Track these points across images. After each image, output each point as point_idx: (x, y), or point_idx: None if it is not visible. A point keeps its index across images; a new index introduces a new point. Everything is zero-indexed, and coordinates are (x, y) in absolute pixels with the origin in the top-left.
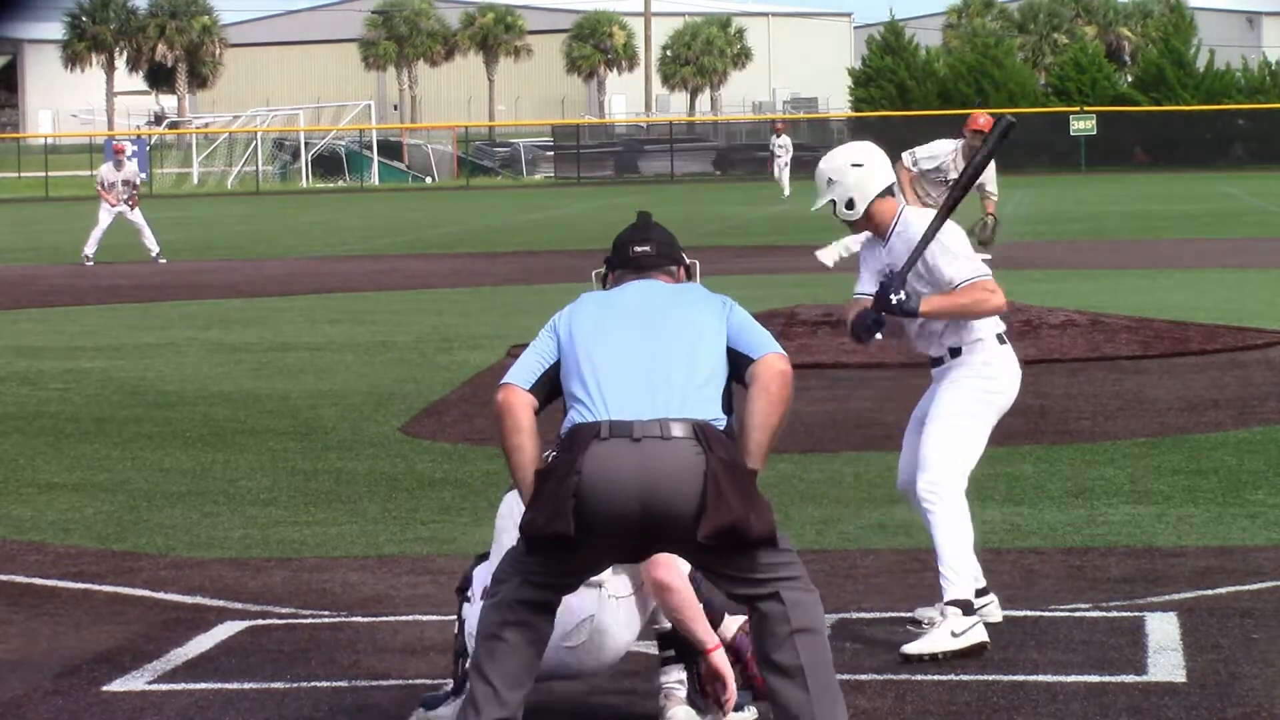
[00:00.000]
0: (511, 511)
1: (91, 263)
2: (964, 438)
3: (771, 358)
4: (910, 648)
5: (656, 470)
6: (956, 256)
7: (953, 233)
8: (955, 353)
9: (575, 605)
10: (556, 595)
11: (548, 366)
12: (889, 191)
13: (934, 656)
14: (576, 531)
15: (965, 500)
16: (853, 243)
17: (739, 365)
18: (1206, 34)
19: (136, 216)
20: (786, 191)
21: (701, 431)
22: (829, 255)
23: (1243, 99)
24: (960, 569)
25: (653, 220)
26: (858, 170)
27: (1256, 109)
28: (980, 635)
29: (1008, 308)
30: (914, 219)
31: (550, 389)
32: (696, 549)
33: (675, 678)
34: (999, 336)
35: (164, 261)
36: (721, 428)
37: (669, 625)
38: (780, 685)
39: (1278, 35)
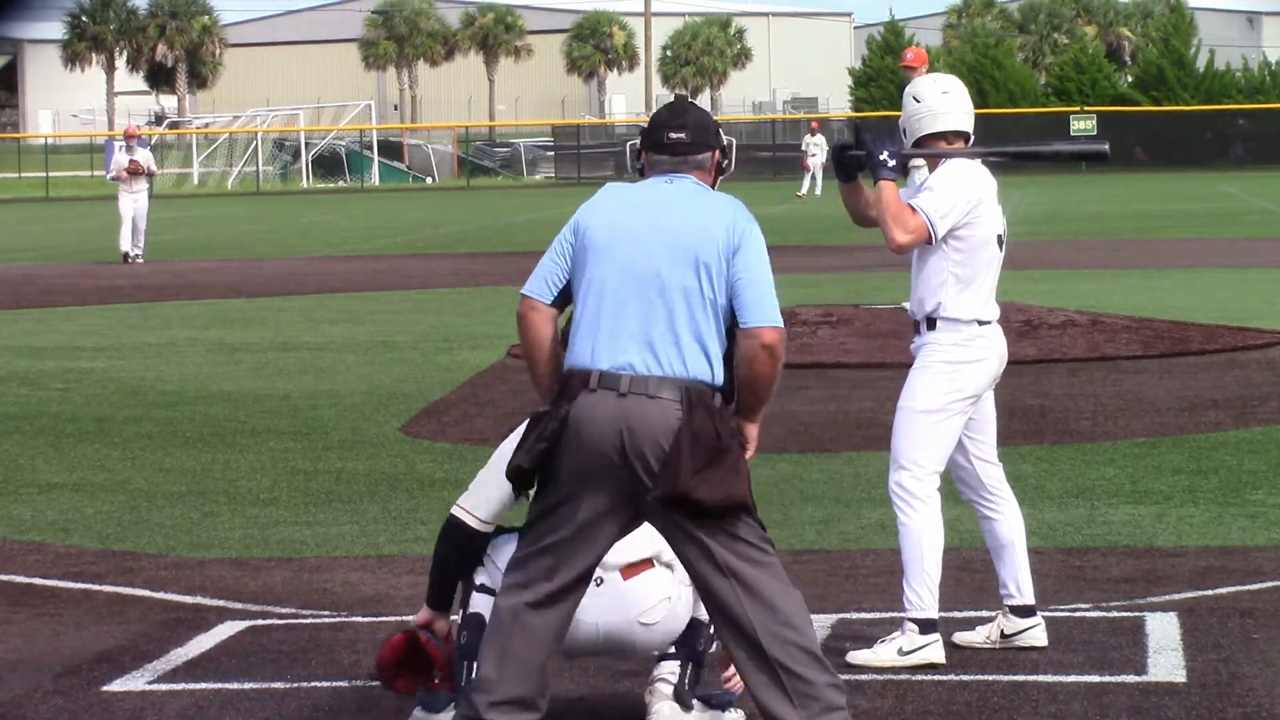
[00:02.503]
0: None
1: (141, 260)
2: (932, 432)
3: (753, 335)
4: (856, 656)
5: (635, 423)
6: (934, 193)
7: (953, 185)
8: (931, 324)
9: (657, 582)
10: (570, 603)
11: (566, 278)
12: (944, 138)
13: (875, 666)
14: (570, 484)
15: (938, 503)
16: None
17: (731, 315)
18: (1206, 34)
19: (143, 207)
20: (819, 190)
21: (688, 395)
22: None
23: (1243, 99)
24: (924, 589)
25: (689, 102)
26: (914, 104)
27: (1256, 109)
28: (931, 656)
29: (896, 249)
30: (955, 164)
31: (567, 296)
32: (664, 514)
33: (668, 670)
34: (981, 322)
35: (140, 261)
36: (720, 383)
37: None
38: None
39: (1278, 35)
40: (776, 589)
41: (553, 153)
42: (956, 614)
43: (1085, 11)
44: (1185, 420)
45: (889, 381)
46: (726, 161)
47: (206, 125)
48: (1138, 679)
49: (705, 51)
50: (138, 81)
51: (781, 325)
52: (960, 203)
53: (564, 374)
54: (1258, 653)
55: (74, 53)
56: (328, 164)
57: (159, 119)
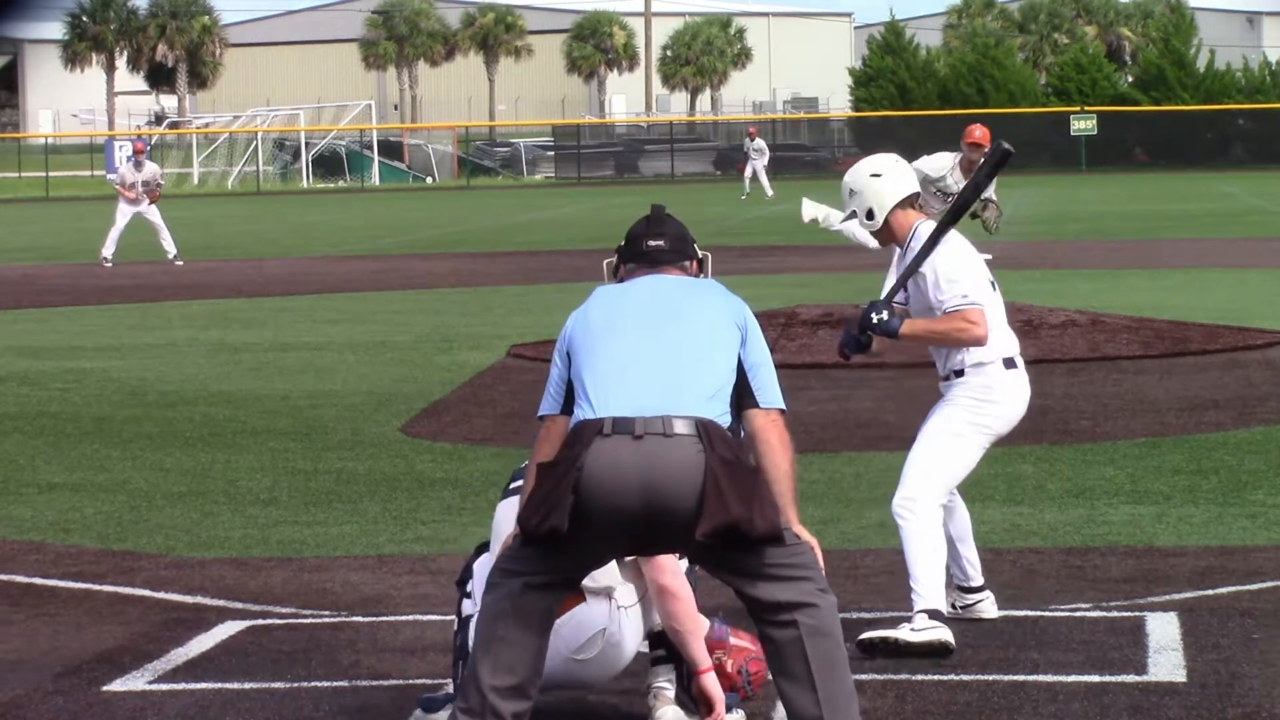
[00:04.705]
0: (507, 516)
1: (110, 264)
2: (948, 458)
3: (771, 416)
4: (868, 634)
5: (658, 467)
6: (949, 281)
7: (950, 256)
8: (959, 374)
9: (588, 618)
10: (559, 592)
11: (568, 384)
12: (909, 203)
13: (886, 641)
14: (576, 527)
15: (940, 515)
16: (835, 217)
17: (741, 395)
18: (1206, 34)
19: (154, 215)
20: (769, 190)
21: (704, 429)
22: (810, 210)
23: (1243, 99)
24: (930, 583)
25: (666, 213)
26: (876, 180)
27: (1256, 109)
28: (941, 635)
29: (986, 340)
30: (926, 231)
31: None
32: (698, 547)
33: (664, 677)
34: (1007, 361)
35: (180, 264)
36: (727, 425)
37: (659, 624)
38: (789, 689)
39: (1278, 35)
40: (823, 622)
41: (553, 153)
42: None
43: (1085, 11)
44: (1185, 420)
45: (889, 382)
46: (703, 275)
47: (206, 125)
48: (1138, 679)
49: (705, 51)
50: (138, 81)
51: (786, 409)
52: (970, 268)
53: (572, 429)
54: (1258, 653)
55: (74, 53)
56: (328, 164)
57: (159, 119)
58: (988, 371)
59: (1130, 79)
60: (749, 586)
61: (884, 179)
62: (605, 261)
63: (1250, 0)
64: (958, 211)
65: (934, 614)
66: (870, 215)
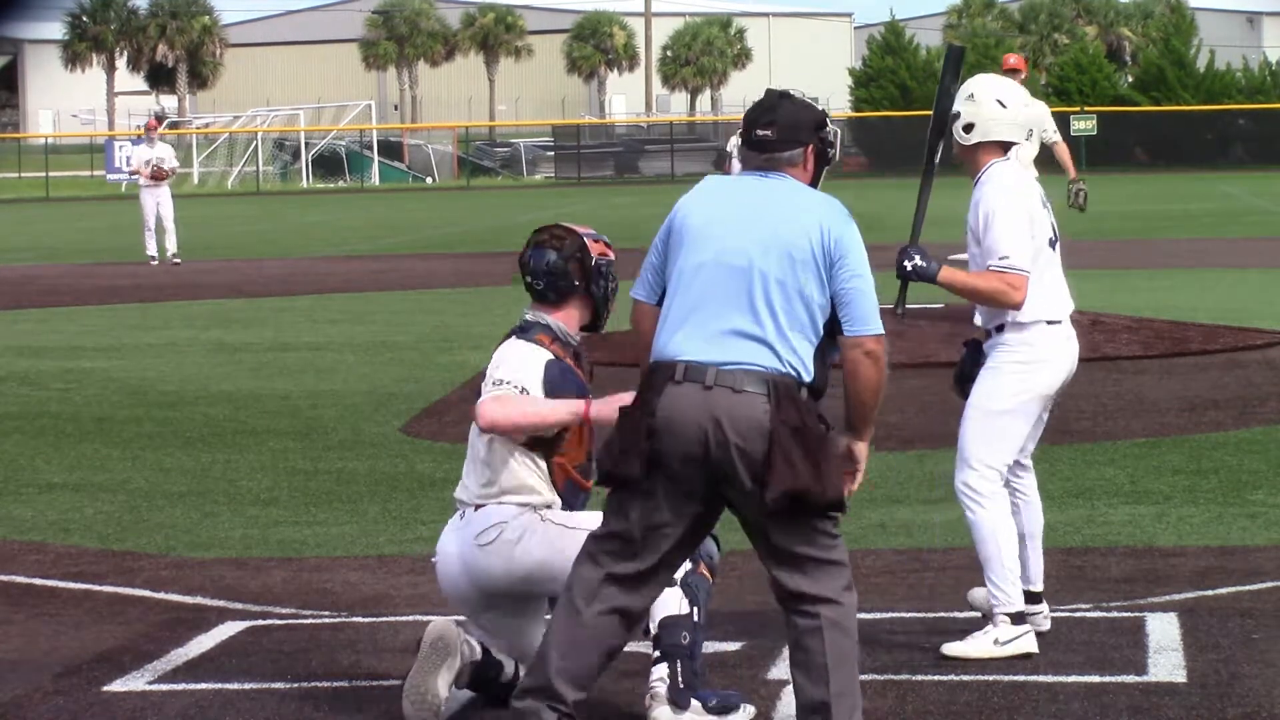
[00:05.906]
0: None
1: (157, 261)
2: (1002, 432)
3: (861, 343)
4: (951, 648)
5: (725, 422)
6: (998, 237)
7: (1009, 209)
8: (999, 329)
9: (497, 511)
10: (639, 587)
11: (663, 273)
12: (1004, 148)
13: (971, 660)
14: (649, 471)
15: (1005, 498)
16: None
17: (833, 321)
18: (1206, 34)
19: (169, 212)
20: None
21: (774, 388)
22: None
23: (1243, 99)
24: (1006, 583)
25: (781, 97)
26: (998, 108)
27: (1256, 109)
28: (1027, 646)
29: (1021, 307)
30: (998, 173)
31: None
32: (760, 508)
33: (659, 676)
34: (1050, 321)
35: (180, 263)
36: (808, 379)
37: (657, 626)
38: (801, 677)
39: (1278, 35)
40: (843, 615)
41: (553, 153)
42: (963, 615)
43: (1085, 11)
44: (1185, 420)
45: (889, 382)
46: (832, 152)
47: (207, 125)
48: (1138, 679)
49: (705, 51)
50: (138, 81)
51: (883, 331)
52: (1023, 224)
53: (650, 365)
54: (1258, 653)
55: (74, 53)
56: (328, 164)
57: (159, 119)
58: (1029, 329)
59: (1130, 79)
60: (783, 567)
61: (1008, 111)
62: (731, 138)
63: (1250, 0)
64: (940, 126)
65: (1017, 617)
66: (968, 130)
